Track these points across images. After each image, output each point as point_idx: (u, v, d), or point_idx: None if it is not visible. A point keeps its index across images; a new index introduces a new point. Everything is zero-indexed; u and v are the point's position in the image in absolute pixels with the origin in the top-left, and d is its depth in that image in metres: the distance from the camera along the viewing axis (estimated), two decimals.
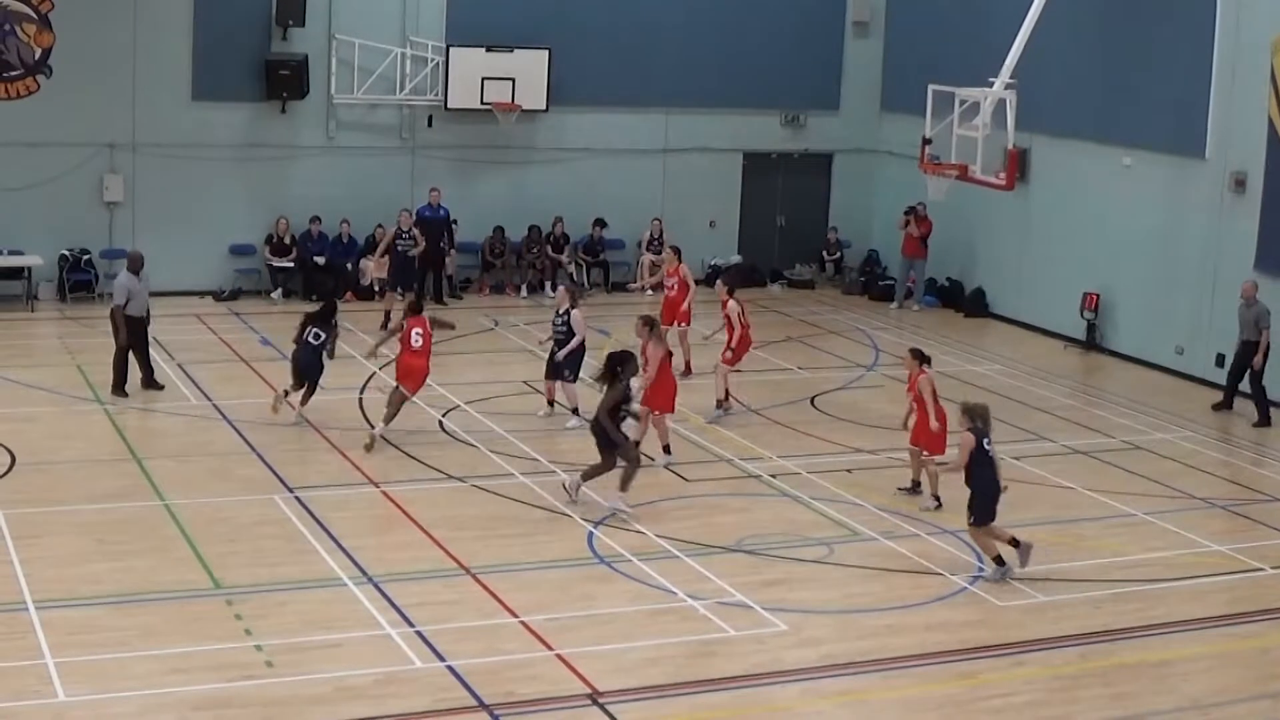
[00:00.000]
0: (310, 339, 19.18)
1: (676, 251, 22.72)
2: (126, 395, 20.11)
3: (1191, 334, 23.45)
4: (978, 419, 14.86)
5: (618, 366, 16.36)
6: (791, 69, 29.60)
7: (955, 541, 15.89)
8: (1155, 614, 14.31)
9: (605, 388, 16.39)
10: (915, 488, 17.27)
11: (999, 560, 14.77)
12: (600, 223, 28.60)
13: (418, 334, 18.57)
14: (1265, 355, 21.13)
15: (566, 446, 18.66)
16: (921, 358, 17.32)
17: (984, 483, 14.69)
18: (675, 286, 22.28)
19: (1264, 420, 21.14)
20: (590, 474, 16.45)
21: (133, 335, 20.17)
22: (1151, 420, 21.19)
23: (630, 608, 13.93)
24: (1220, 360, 22.77)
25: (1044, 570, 15.13)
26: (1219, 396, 22.14)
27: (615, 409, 16.27)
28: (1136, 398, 22.37)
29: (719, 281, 21.55)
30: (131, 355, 20.24)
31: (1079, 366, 24.54)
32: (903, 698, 12.46)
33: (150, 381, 20.46)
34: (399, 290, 24.47)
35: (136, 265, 20.41)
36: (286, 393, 19.13)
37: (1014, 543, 14.76)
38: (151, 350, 20.76)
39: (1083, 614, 14.19)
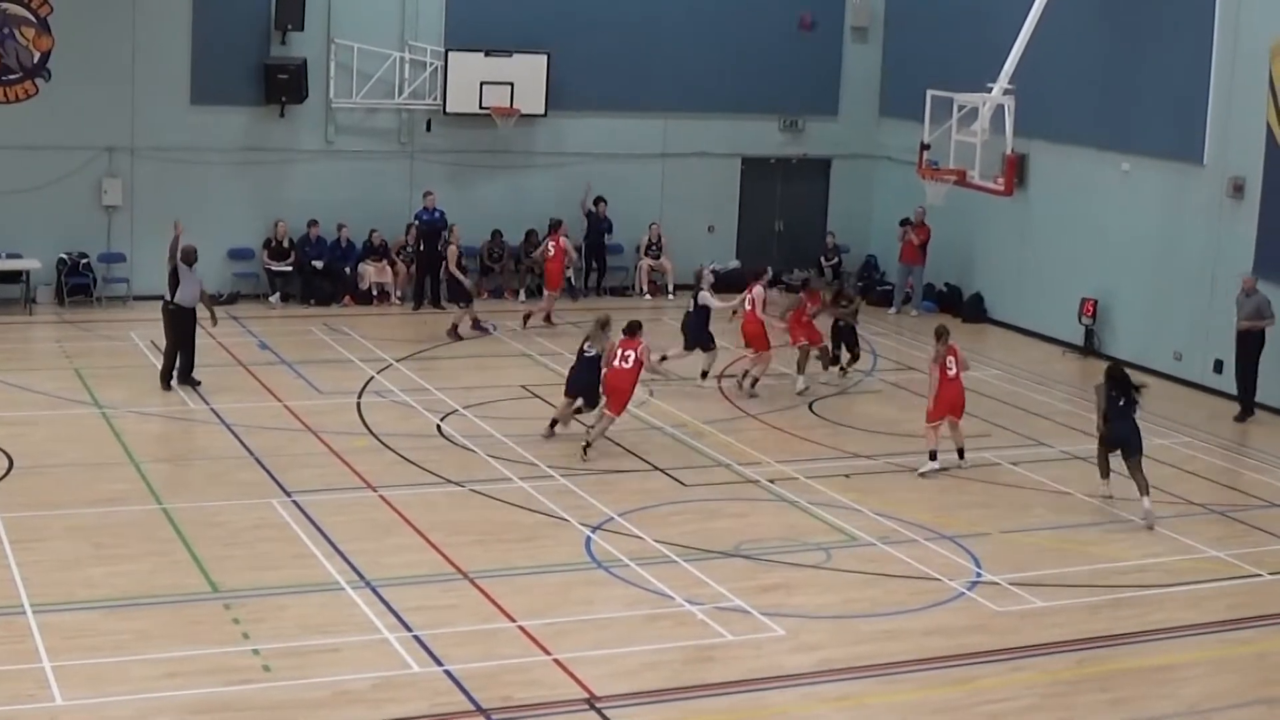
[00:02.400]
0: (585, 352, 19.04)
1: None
2: (199, 382, 20.66)
3: (1190, 340, 23.45)
4: None
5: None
6: (790, 74, 29.61)
7: (953, 547, 15.90)
8: (1153, 619, 14.32)
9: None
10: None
11: None
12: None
13: (629, 355, 18.53)
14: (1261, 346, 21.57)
15: (563, 451, 18.65)
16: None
17: None
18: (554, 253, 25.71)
19: (1248, 413, 21.66)
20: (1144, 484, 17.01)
21: (183, 327, 20.50)
22: (1149, 425, 21.06)
23: (628, 612, 13.92)
24: (1218, 366, 22.81)
25: (1041, 576, 15.16)
26: (1217, 402, 22.24)
27: None
28: None
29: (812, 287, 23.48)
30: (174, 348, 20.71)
31: (1077, 372, 24.51)
32: (900, 703, 12.46)
33: (188, 376, 20.74)
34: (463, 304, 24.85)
35: (191, 258, 20.65)
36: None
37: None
38: (148, 353, 20.81)
39: (1081, 619, 14.19)
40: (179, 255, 20.67)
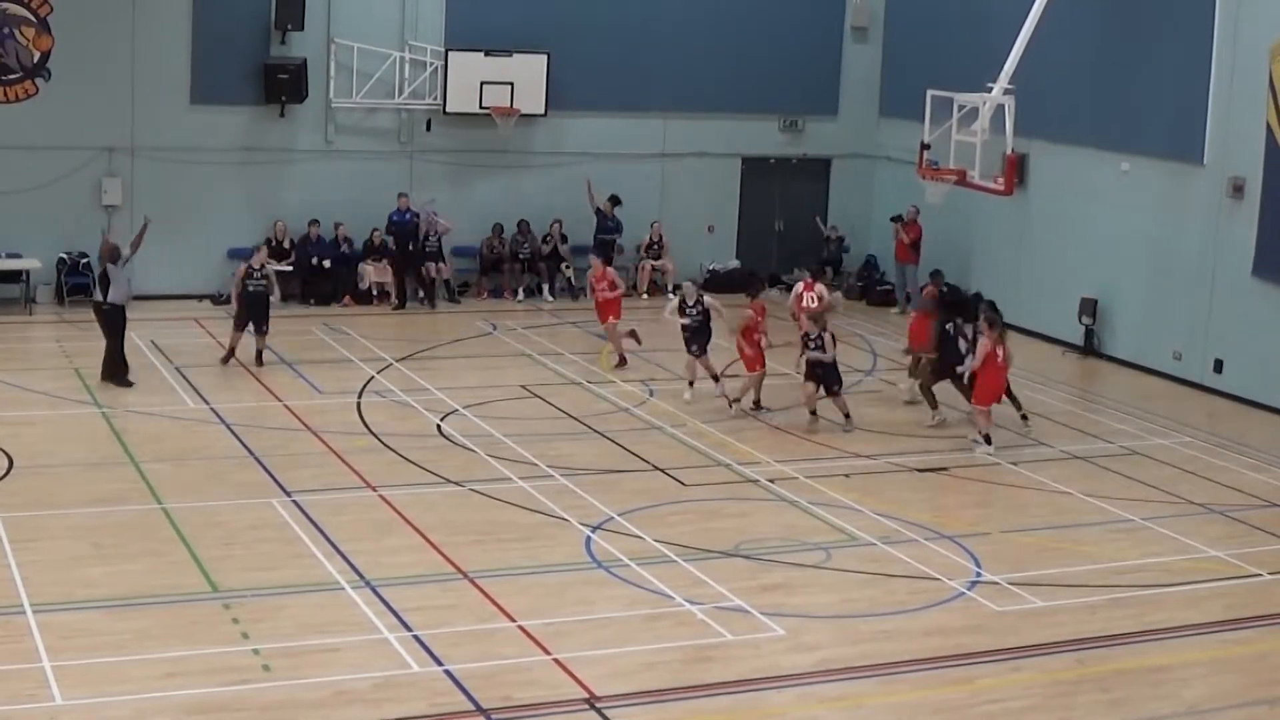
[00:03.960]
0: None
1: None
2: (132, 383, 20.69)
3: (1189, 339, 23.44)
4: None
5: None
6: (790, 74, 29.60)
7: (952, 547, 15.90)
8: (1153, 619, 14.31)
9: None
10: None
11: None
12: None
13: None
14: None
15: (564, 451, 18.66)
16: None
17: None
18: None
19: None
20: None
21: (115, 325, 20.70)
22: (1149, 425, 21.18)
23: (627, 612, 13.92)
24: (1218, 366, 22.82)
25: (1041, 575, 15.15)
26: (1217, 402, 22.23)
27: None
28: (1134, 403, 22.37)
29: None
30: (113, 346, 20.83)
31: (1077, 372, 24.54)
32: (899, 703, 12.45)
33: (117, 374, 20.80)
34: (247, 328, 22.07)
35: (116, 256, 20.76)
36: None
37: None
38: (150, 353, 20.83)
39: (1080, 619, 14.19)
40: (105, 256, 20.78)
